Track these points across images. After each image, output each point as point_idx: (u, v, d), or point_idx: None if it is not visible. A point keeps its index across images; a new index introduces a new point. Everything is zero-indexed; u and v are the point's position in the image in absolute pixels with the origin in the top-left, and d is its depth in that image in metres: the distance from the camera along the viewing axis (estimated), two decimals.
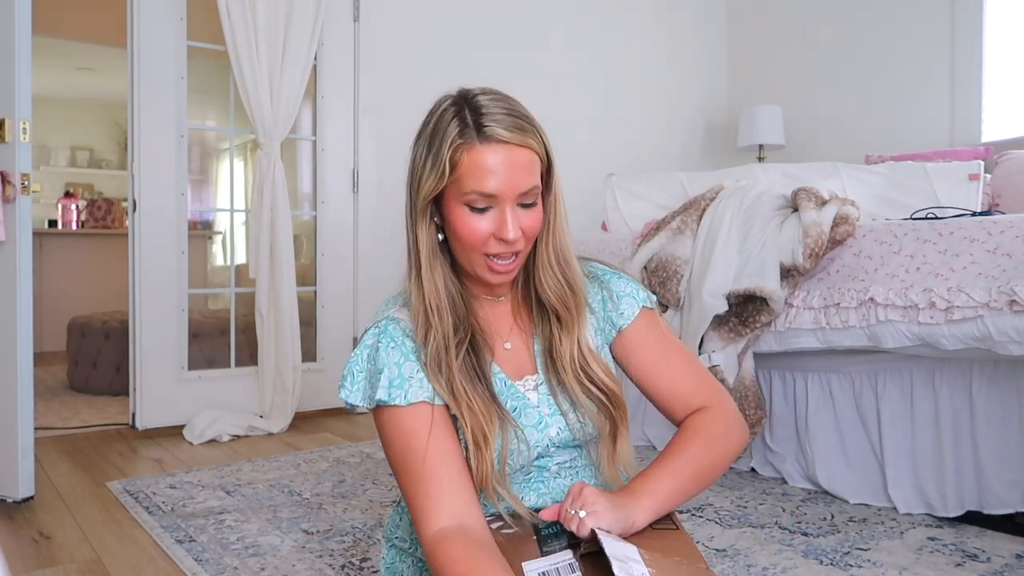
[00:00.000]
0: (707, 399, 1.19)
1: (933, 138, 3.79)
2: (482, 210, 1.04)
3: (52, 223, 6.24)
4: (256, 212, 3.15)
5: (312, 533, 1.91)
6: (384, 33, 3.53)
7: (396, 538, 1.27)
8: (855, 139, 4.09)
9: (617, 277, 1.23)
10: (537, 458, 1.14)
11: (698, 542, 1.81)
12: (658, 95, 4.53)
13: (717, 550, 1.76)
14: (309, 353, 3.41)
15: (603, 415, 1.14)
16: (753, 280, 2.06)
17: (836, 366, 2.16)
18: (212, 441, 2.94)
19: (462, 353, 1.08)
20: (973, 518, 1.93)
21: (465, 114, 1.03)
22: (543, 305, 1.15)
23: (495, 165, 1.02)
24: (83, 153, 7.83)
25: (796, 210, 2.13)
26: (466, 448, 1.07)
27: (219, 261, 5.90)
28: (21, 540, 1.90)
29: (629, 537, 1.01)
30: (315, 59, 3.31)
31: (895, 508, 2.02)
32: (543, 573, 0.97)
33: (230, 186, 3.67)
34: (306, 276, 3.53)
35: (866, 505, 2.07)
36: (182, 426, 3.05)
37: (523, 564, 0.99)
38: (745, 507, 2.06)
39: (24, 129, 2.06)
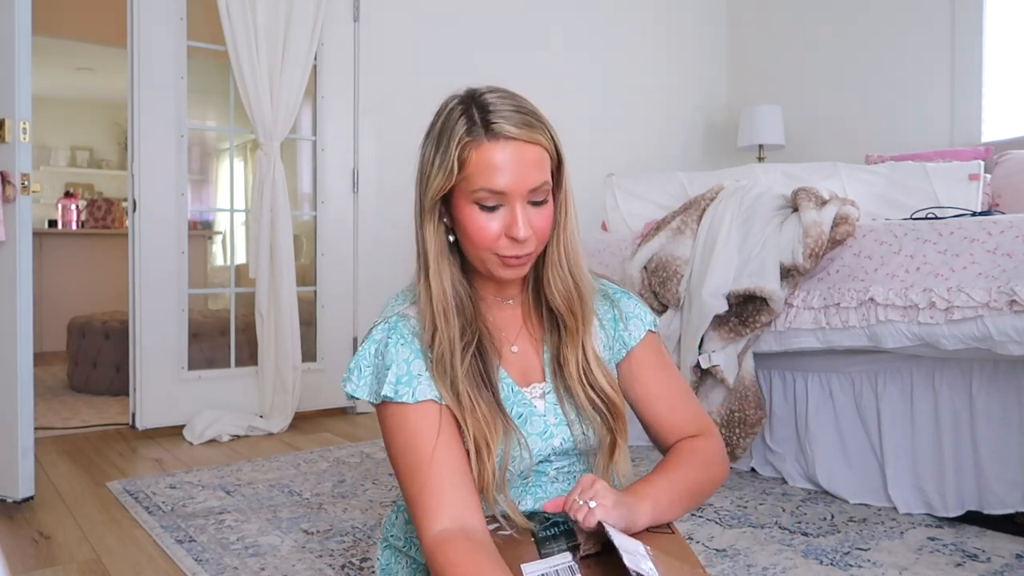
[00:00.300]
0: (701, 428, 1.21)
1: (933, 138, 3.79)
2: (492, 208, 1.03)
3: (52, 223, 6.24)
4: (256, 212, 3.15)
5: (312, 533, 1.91)
6: (384, 33, 3.53)
7: (391, 536, 1.27)
8: (855, 139, 4.09)
9: (627, 297, 1.23)
10: (538, 463, 1.14)
11: (698, 542, 1.81)
12: (658, 95, 4.53)
13: (717, 550, 1.76)
14: (309, 353, 3.41)
15: (605, 428, 1.14)
16: (753, 280, 2.06)
17: (836, 366, 2.16)
18: (212, 441, 2.95)
19: (468, 357, 1.07)
20: (973, 518, 1.93)
21: (473, 112, 1.03)
22: (553, 312, 1.15)
23: (504, 162, 1.01)
24: (83, 153, 7.83)
25: (796, 210, 2.13)
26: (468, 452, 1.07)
27: (219, 261, 5.90)
28: (21, 540, 1.90)
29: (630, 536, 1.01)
30: (315, 59, 3.31)
31: (895, 508, 2.02)
32: (542, 575, 0.97)
33: (230, 186, 3.67)
34: (306, 276, 3.53)
35: (866, 505, 2.07)
36: (182, 426, 3.05)
37: (522, 566, 0.98)
38: (745, 507, 2.06)
39: (24, 129, 2.06)
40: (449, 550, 0.96)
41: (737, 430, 2.16)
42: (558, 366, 1.14)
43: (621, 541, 0.93)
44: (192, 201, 5.36)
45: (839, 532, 1.87)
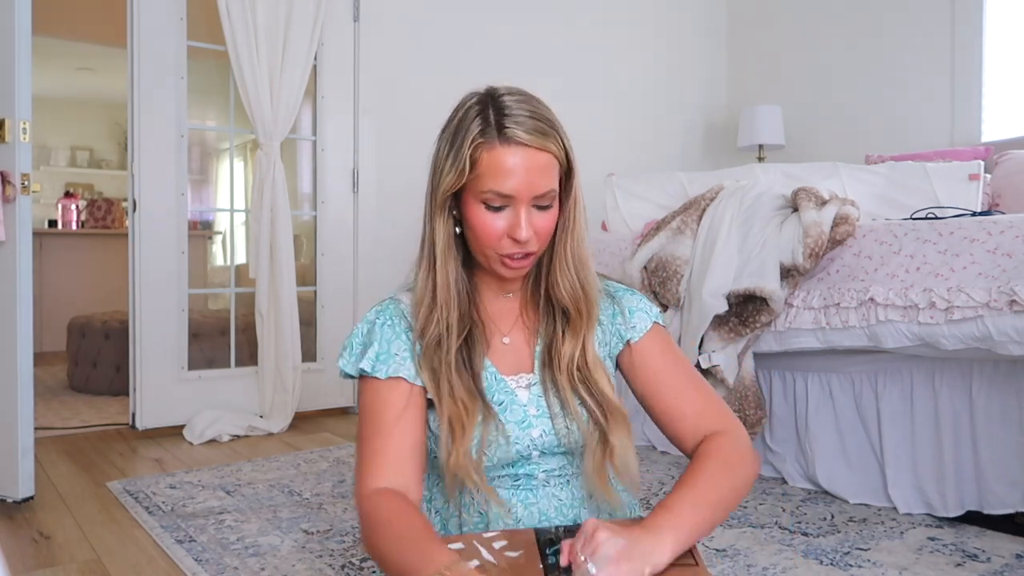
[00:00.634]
0: (719, 424, 1.13)
1: (933, 138, 3.78)
2: (498, 208, 1.06)
3: (52, 223, 6.24)
4: (256, 212, 3.15)
5: (312, 533, 1.91)
6: (384, 33, 3.53)
7: None
8: (855, 139, 4.09)
9: (631, 294, 1.24)
10: (522, 463, 1.14)
11: (698, 542, 1.80)
12: (658, 95, 4.52)
13: (717, 550, 1.76)
14: (309, 353, 3.41)
15: (593, 424, 1.12)
16: (753, 280, 2.06)
17: (836, 366, 2.16)
18: (212, 441, 2.94)
19: (456, 345, 1.11)
20: (973, 518, 1.93)
21: (488, 113, 1.05)
22: (551, 304, 1.16)
23: (513, 167, 1.03)
24: (83, 153, 7.83)
25: (796, 210, 2.13)
26: (440, 434, 1.09)
27: (219, 261, 5.90)
28: (21, 540, 1.90)
29: None
30: (315, 59, 3.30)
31: (895, 508, 2.02)
32: None
33: (230, 186, 3.67)
34: (306, 276, 3.53)
35: (866, 505, 2.07)
36: (182, 426, 3.05)
37: None
38: (745, 507, 2.06)
39: (24, 129, 2.06)
40: (379, 500, 1.02)
41: None
42: (548, 357, 1.15)
43: None
44: (192, 201, 5.37)
45: (839, 532, 1.87)
